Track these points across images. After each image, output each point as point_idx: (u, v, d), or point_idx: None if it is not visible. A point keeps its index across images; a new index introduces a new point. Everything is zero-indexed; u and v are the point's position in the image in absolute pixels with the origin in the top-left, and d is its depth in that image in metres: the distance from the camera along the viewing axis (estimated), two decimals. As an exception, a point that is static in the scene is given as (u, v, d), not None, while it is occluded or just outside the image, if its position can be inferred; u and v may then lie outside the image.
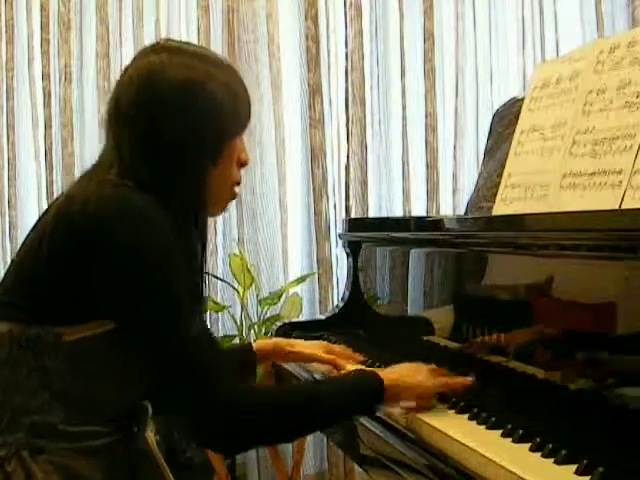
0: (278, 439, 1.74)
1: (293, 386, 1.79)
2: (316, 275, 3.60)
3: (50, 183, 3.62)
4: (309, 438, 3.43)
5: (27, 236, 1.42)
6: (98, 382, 1.35)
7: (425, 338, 1.91)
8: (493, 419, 1.37)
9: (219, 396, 1.38)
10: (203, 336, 1.44)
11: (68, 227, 1.33)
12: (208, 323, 3.58)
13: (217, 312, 3.53)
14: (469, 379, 1.55)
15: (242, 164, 1.50)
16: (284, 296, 3.43)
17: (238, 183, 1.51)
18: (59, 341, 1.32)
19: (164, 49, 1.46)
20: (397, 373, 1.53)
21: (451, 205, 3.66)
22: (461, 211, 2.98)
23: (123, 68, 1.49)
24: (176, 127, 1.41)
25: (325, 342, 1.99)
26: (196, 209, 1.45)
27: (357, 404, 1.52)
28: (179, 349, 1.35)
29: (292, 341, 1.92)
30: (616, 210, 1.42)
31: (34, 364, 1.33)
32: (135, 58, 1.48)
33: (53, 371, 1.33)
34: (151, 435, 1.45)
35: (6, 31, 3.62)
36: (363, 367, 1.70)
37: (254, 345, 1.87)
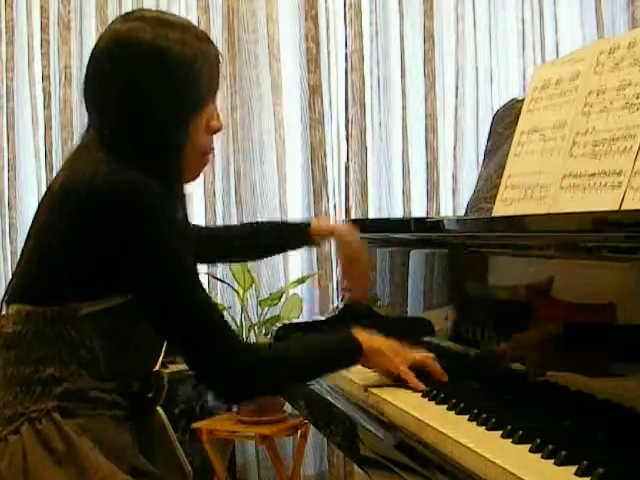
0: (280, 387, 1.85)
1: (293, 343, 1.90)
2: (316, 276, 3.60)
3: (50, 183, 3.62)
4: (309, 439, 3.43)
5: (32, 225, 1.48)
6: (119, 351, 1.44)
7: (425, 339, 1.91)
8: (493, 420, 1.37)
9: (235, 351, 1.47)
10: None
11: (78, 208, 1.39)
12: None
13: (217, 313, 3.53)
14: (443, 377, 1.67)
15: (214, 131, 1.52)
16: (284, 297, 3.44)
17: (210, 151, 1.54)
18: (78, 315, 1.40)
19: (136, 18, 1.49)
20: (377, 343, 1.67)
21: (451, 206, 3.66)
22: (461, 212, 2.98)
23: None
24: (148, 91, 1.44)
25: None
26: (175, 177, 1.51)
27: (339, 361, 1.67)
28: (196, 310, 1.43)
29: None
30: (616, 211, 1.42)
31: (60, 338, 1.40)
32: (111, 24, 1.52)
33: (78, 341, 1.41)
34: (161, 410, 1.57)
35: (6, 32, 3.63)
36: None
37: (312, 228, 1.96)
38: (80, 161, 1.45)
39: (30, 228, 1.50)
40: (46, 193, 1.49)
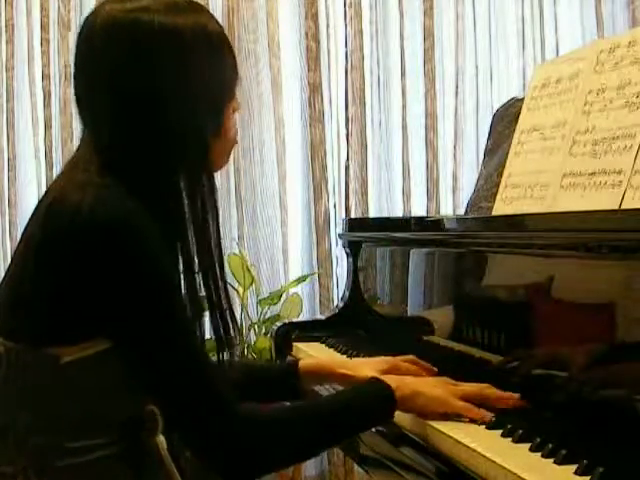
0: (292, 461, 1.65)
1: (304, 405, 1.48)
2: (316, 275, 3.60)
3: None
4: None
5: (16, 249, 1.31)
6: (100, 399, 1.24)
7: (425, 338, 1.91)
8: (493, 419, 1.37)
9: (231, 417, 1.25)
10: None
11: (57, 243, 1.21)
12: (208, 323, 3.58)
13: (217, 312, 3.53)
14: (515, 397, 1.43)
15: (234, 111, 1.33)
16: (284, 296, 3.43)
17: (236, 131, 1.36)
18: (57, 363, 1.21)
19: None
20: (409, 381, 1.45)
21: (451, 205, 3.66)
22: (461, 211, 2.98)
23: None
24: (175, 94, 1.22)
25: (387, 358, 1.67)
26: (205, 179, 1.28)
27: (368, 412, 1.40)
28: (188, 367, 1.23)
29: (345, 363, 1.71)
30: (616, 210, 1.42)
31: (36, 385, 1.23)
32: (101, 6, 1.25)
33: (55, 392, 1.23)
34: (162, 438, 1.31)
35: (6, 31, 3.62)
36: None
37: (300, 366, 1.63)
38: (66, 185, 1.24)
39: (15, 252, 1.32)
40: (35, 210, 1.29)
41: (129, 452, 1.28)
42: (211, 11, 1.28)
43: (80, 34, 1.27)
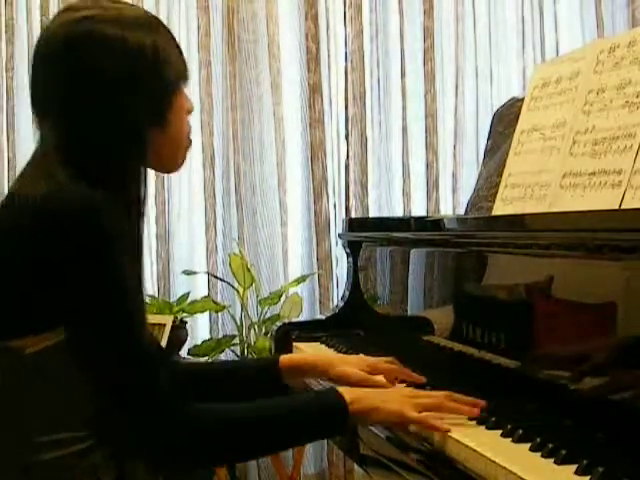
0: (234, 459, 1.70)
1: (249, 405, 1.41)
2: (316, 275, 3.60)
3: (50, 183, 3.61)
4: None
5: None
6: (66, 390, 1.26)
7: (425, 338, 1.91)
8: (493, 419, 1.37)
9: (173, 413, 1.27)
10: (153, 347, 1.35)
11: (18, 226, 1.24)
12: (208, 323, 3.59)
13: (217, 312, 3.53)
14: (477, 408, 1.41)
15: (189, 112, 1.43)
16: (284, 296, 3.44)
17: (190, 131, 1.44)
18: (21, 354, 1.23)
19: (84, 8, 1.35)
20: (367, 395, 1.43)
21: (451, 205, 3.66)
22: (461, 211, 2.98)
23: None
24: (115, 89, 1.31)
25: (367, 358, 1.71)
26: (138, 168, 1.37)
27: (316, 423, 1.39)
28: (133, 363, 1.26)
29: (328, 359, 1.71)
30: (616, 210, 1.42)
31: (2, 381, 1.25)
32: (53, 18, 1.39)
33: (21, 385, 1.25)
34: None
35: (6, 31, 3.62)
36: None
37: (281, 360, 1.65)
38: (29, 176, 1.31)
39: None
40: None
41: (105, 445, 1.29)
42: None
43: (38, 42, 1.38)
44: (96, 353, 1.26)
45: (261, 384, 1.64)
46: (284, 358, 1.66)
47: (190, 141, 1.44)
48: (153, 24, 1.38)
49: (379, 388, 1.55)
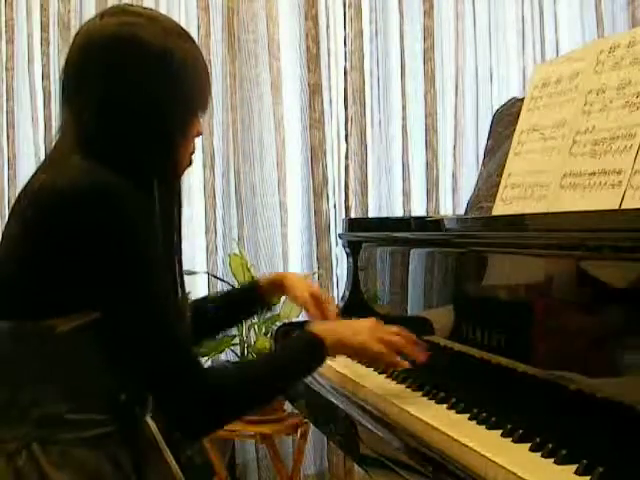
0: (255, 407, 1.95)
1: (255, 361, 1.78)
2: (316, 275, 3.60)
3: (50, 183, 3.61)
4: (309, 438, 3.43)
5: (3, 233, 1.40)
6: (94, 369, 1.35)
7: (425, 338, 1.91)
8: (493, 419, 1.37)
9: (200, 379, 1.38)
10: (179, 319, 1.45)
11: (51, 213, 1.31)
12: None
13: (217, 312, 3.53)
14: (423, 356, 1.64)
15: (198, 134, 1.50)
16: (284, 296, 3.43)
17: (194, 152, 1.53)
18: (53, 333, 1.31)
19: (133, 13, 1.42)
20: (336, 329, 1.62)
21: (451, 205, 3.66)
22: (461, 211, 2.97)
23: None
24: (152, 100, 1.39)
25: (313, 288, 1.93)
26: (172, 179, 1.49)
27: (305, 361, 1.57)
28: (164, 340, 1.35)
29: (289, 280, 1.92)
30: (616, 210, 1.42)
31: (33, 357, 1.33)
32: (98, 19, 1.43)
33: (52, 362, 1.33)
34: (150, 421, 1.45)
35: (6, 31, 3.62)
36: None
37: (261, 281, 1.93)
38: (54, 168, 1.37)
39: (2, 237, 1.41)
40: (18, 199, 1.40)
41: (124, 432, 1.39)
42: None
43: (74, 42, 1.43)
44: (130, 334, 1.34)
45: (248, 306, 1.94)
46: (262, 277, 1.91)
47: (191, 162, 1.52)
48: (189, 36, 1.45)
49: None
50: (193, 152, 1.51)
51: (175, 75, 1.40)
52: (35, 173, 1.41)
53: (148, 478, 1.42)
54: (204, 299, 1.93)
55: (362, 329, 1.63)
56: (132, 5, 1.50)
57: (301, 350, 1.56)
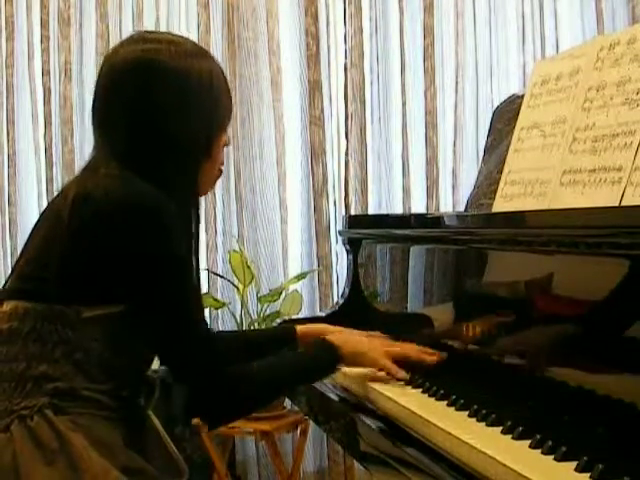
0: (264, 403, 2.14)
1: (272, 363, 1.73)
2: (316, 272, 3.60)
3: (50, 180, 3.62)
4: (309, 435, 3.43)
5: (37, 226, 1.50)
6: (114, 356, 1.44)
7: (425, 335, 1.91)
8: (493, 416, 1.37)
9: (222, 374, 1.49)
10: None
11: (91, 215, 1.40)
12: (208, 320, 3.59)
13: (217, 309, 3.54)
14: (436, 357, 1.74)
15: (226, 145, 1.62)
16: (284, 293, 3.44)
17: (223, 163, 1.62)
18: (79, 317, 1.40)
19: (154, 40, 1.51)
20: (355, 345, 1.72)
21: (451, 202, 3.66)
22: (461, 208, 2.97)
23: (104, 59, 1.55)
24: (176, 121, 1.48)
25: (382, 337, 1.90)
26: (192, 196, 1.55)
27: (322, 368, 1.70)
28: (192, 334, 1.46)
29: (329, 329, 1.88)
30: (616, 207, 1.42)
31: (57, 337, 1.41)
32: (120, 46, 1.53)
33: (75, 343, 1.41)
34: (153, 416, 1.56)
35: (6, 28, 3.62)
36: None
37: (298, 331, 1.87)
38: (92, 177, 1.46)
39: (35, 228, 1.51)
40: (53, 201, 1.51)
41: (129, 419, 1.48)
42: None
43: (101, 70, 1.54)
44: (162, 329, 1.45)
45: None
46: (300, 329, 1.88)
47: (221, 172, 1.62)
48: (208, 54, 1.56)
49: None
50: (222, 163, 1.60)
51: (196, 93, 1.49)
52: (69, 184, 1.50)
53: (152, 464, 1.48)
54: (236, 338, 1.95)
55: (375, 344, 1.76)
56: (151, 32, 1.63)
57: (321, 359, 1.69)
